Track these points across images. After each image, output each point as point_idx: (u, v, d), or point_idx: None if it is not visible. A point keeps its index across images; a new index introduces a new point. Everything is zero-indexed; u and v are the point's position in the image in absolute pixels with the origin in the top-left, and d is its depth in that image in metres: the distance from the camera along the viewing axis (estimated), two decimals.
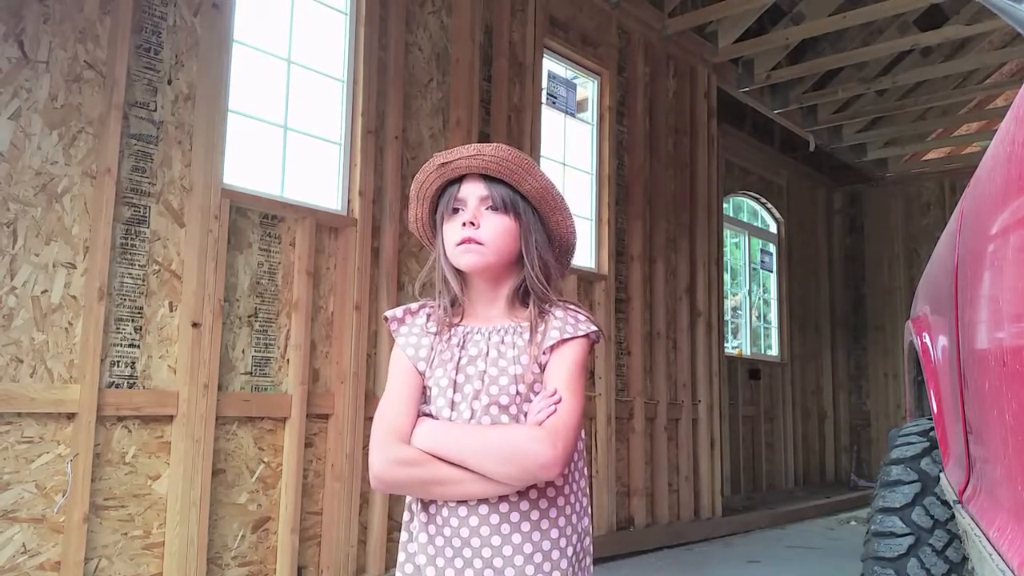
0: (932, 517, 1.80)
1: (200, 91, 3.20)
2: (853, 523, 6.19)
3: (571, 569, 1.25)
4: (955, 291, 1.45)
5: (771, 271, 8.20)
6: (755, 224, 8.16)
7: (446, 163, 1.34)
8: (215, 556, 3.13)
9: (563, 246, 1.42)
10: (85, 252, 2.86)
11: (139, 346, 2.99)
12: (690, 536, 5.33)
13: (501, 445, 1.20)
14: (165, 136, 3.10)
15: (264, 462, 3.33)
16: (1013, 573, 0.98)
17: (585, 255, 5.09)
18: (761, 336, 8.12)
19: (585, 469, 1.35)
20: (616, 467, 5.00)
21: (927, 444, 1.94)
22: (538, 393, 1.27)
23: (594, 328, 1.34)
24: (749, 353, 7.75)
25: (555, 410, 1.22)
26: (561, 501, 1.26)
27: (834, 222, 9.25)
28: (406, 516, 1.31)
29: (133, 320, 2.98)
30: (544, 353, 1.29)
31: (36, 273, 2.75)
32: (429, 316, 1.38)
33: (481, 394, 1.27)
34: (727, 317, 7.45)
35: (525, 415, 1.26)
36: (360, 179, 3.73)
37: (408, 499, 1.31)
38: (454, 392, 1.29)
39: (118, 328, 2.93)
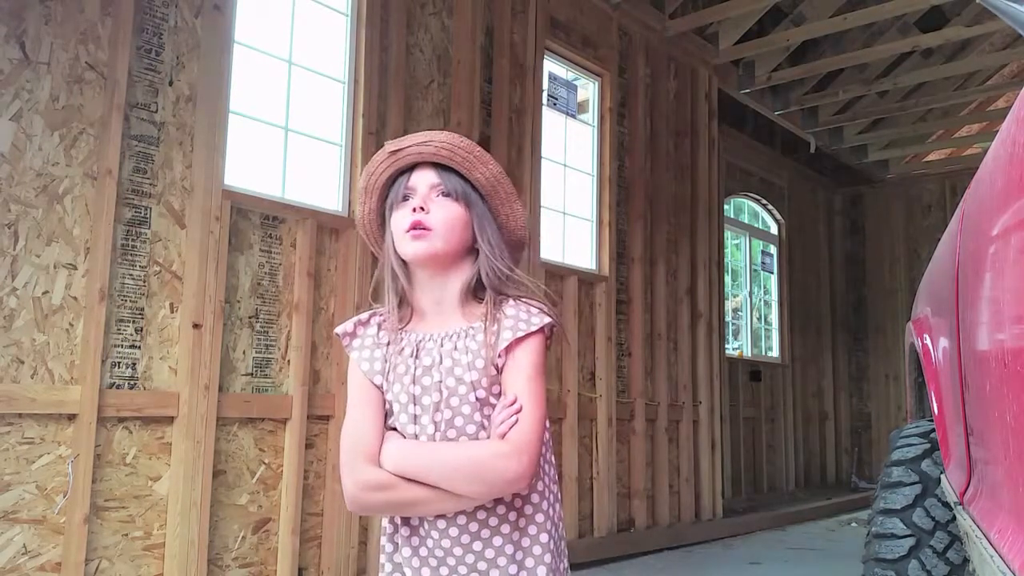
0: (933, 519, 1.79)
1: (201, 92, 3.20)
2: (854, 525, 6.19)
3: (554, 561, 1.25)
4: (956, 293, 1.45)
5: (772, 272, 8.20)
6: (756, 225, 8.16)
7: (396, 150, 1.30)
8: (216, 557, 3.13)
9: (512, 240, 1.36)
10: (86, 253, 2.86)
11: (140, 347, 2.99)
12: (691, 538, 5.33)
13: (466, 463, 1.18)
14: (166, 137, 3.11)
15: (265, 463, 3.33)
16: (1014, 575, 0.97)
17: (586, 256, 5.09)
18: (762, 337, 8.11)
19: (552, 457, 1.32)
20: (617, 468, 5.00)
21: (928, 446, 1.93)
22: (499, 394, 1.24)
23: (548, 320, 1.27)
24: (750, 355, 7.75)
25: (516, 420, 1.19)
26: (537, 498, 1.25)
27: (835, 223, 9.24)
28: (388, 527, 1.29)
29: (134, 321, 2.98)
30: (499, 356, 1.24)
31: (37, 274, 2.75)
32: (380, 326, 1.32)
33: (442, 406, 1.24)
34: (728, 318, 7.45)
35: (489, 418, 1.23)
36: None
37: None
38: (414, 406, 1.25)
39: (119, 329, 2.93)
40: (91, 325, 2.82)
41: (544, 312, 1.28)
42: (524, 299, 1.29)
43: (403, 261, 1.30)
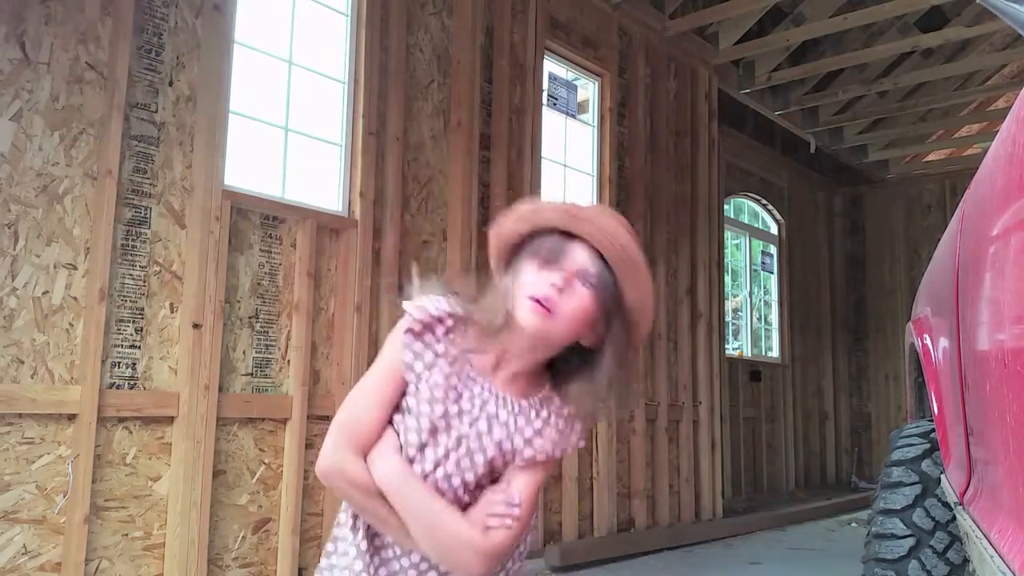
0: (933, 519, 1.80)
1: (201, 92, 3.20)
2: (854, 525, 6.18)
3: None
4: (956, 293, 1.45)
5: (772, 273, 8.20)
6: (756, 226, 8.16)
7: (574, 216, 1.21)
8: (216, 557, 3.13)
9: (627, 357, 1.28)
10: (86, 253, 2.86)
11: (140, 347, 2.99)
12: (691, 538, 5.32)
13: (445, 534, 1.17)
14: (166, 137, 3.11)
15: (265, 463, 3.33)
16: (1014, 575, 0.97)
17: None
18: (762, 338, 8.11)
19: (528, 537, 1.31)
20: (617, 469, 5.00)
21: (928, 446, 1.94)
22: (494, 480, 1.23)
23: (581, 442, 1.27)
24: (750, 355, 7.75)
25: (509, 525, 1.18)
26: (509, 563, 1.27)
27: (835, 223, 9.24)
28: (343, 516, 1.27)
29: (134, 321, 2.98)
30: (524, 457, 1.22)
31: (37, 274, 2.75)
32: (447, 332, 1.24)
33: (451, 456, 1.21)
34: (728, 319, 7.45)
35: (479, 489, 1.22)
36: (361, 180, 3.73)
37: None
38: (430, 436, 1.21)
39: (119, 329, 2.93)
40: (91, 325, 2.82)
41: (582, 440, 1.28)
42: (578, 418, 1.26)
43: (510, 312, 1.20)
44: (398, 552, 1.22)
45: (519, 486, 1.21)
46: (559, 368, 1.26)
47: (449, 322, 1.24)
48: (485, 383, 1.24)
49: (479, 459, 1.21)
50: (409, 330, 1.23)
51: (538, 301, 1.17)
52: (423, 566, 1.21)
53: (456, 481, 1.21)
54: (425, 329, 1.24)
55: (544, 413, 1.24)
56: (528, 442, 1.22)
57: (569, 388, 1.24)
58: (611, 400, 1.24)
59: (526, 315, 1.17)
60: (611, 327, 1.21)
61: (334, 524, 1.30)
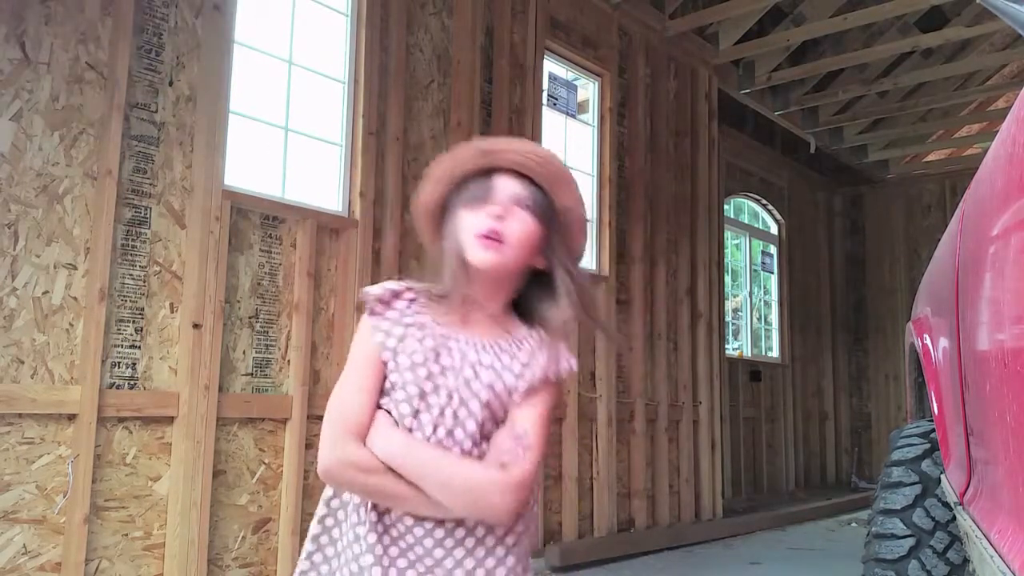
0: (933, 519, 1.80)
1: (201, 92, 3.20)
2: (854, 525, 6.18)
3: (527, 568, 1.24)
4: (956, 293, 1.45)
5: (772, 273, 8.20)
6: (756, 226, 8.16)
7: (488, 151, 1.26)
8: (216, 557, 3.13)
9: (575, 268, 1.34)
10: (86, 253, 2.86)
11: (140, 347, 2.99)
12: (691, 538, 5.32)
13: (463, 483, 1.16)
14: (166, 137, 3.11)
15: (265, 463, 3.33)
16: (1014, 575, 0.97)
17: (586, 257, 5.09)
18: (762, 338, 8.11)
19: (537, 486, 1.30)
20: (617, 469, 5.00)
21: (928, 446, 1.94)
22: (500, 421, 1.22)
23: (574, 369, 1.28)
24: (750, 355, 7.75)
25: (520, 455, 1.17)
26: (521, 527, 1.25)
27: (835, 223, 9.24)
28: (328, 492, 1.26)
29: (134, 321, 2.98)
30: (520, 390, 1.22)
31: (37, 274, 2.75)
32: (410, 303, 1.26)
33: (447, 411, 1.20)
34: (728, 319, 7.45)
35: (485, 440, 1.21)
36: (361, 180, 3.73)
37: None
38: (420, 401, 1.21)
39: (119, 329, 2.93)
40: (91, 325, 2.82)
41: (574, 360, 1.27)
42: (564, 343, 1.27)
43: (462, 259, 1.24)
44: (409, 524, 1.19)
45: (523, 418, 1.21)
46: (525, 307, 1.29)
47: (410, 295, 1.27)
48: (460, 337, 1.24)
49: (475, 406, 1.21)
50: (372, 312, 1.25)
51: (486, 236, 1.20)
52: (438, 533, 1.19)
53: (459, 434, 1.20)
54: (386, 306, 1.25)
55: (526, 345, 1.25)
56: (519, 376, 1.22)
57: (539, 314, 1.27)
58: (579, 310, 1.26)
59: (479, 253, 1.21)
60: (553, 240, 1.26)
61: (309, 535, 1.28)
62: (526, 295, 1.29)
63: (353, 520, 1.23)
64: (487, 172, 1.26)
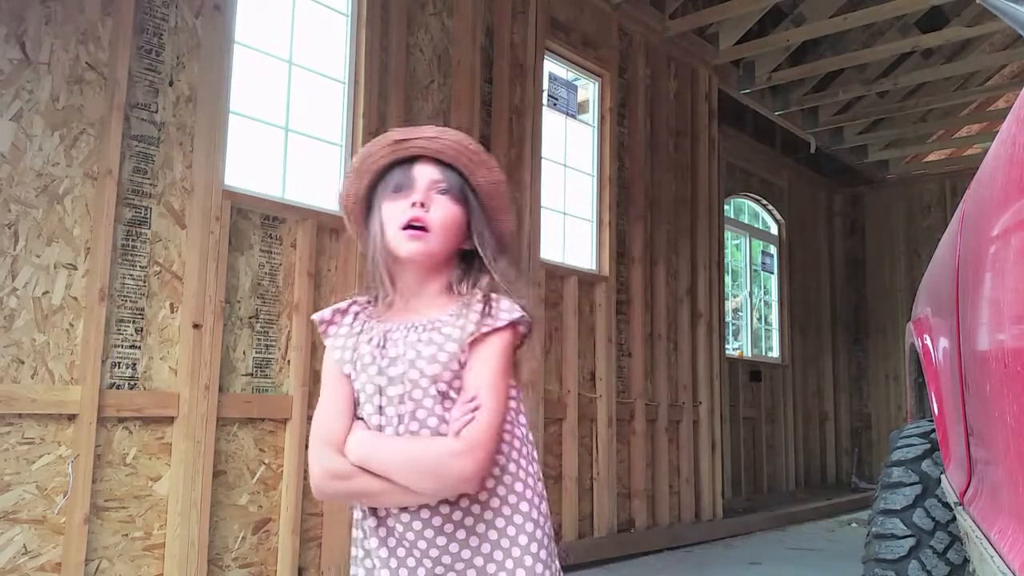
0: (933, 519, 1.80)
1: (201, 92, 3.20)
2: (854, 525, 6.19)
3: (536, 563, 1.21)
4: (956, 293, 1.45)
5: (772, 273, 8.20)
6: (756, 226, 8.16)
7: (402, 140, 1.28)
8: (216, 557, 3.13)
9: (501, 245, 1.35)
10: (86, 253, 2.86)
11: (140, 347, 2.99)
12: (691, 538, 5.32)
13: (421, 459, 1.18)
14: (166, 137, 3.11)
15: (265, 463, 3.33)
16: (1014, 575, 0.97)
17: (586, 257, 5.09)
18: (762, 338, 8.11)
19: (534, 452, 1.30)
20: (617, 469, 5.00)
21: (928, 446, 1.94)
22: (460, 389, 1.22)
23: (517, 315, 1.24)
24: (750, 355, 7.75)
25: (472, 418, 1.18)
26: (514, 498, 1.23)
27: (835, 224, 9.25)
28: (358, 514, 1.29)
29: (134, 321, 2.98)
30: (463, 351, 1.22)
31: (37, 274, 2.75)
32: (356, 315, 1.31)
33: (405, 398, 1.23)
34: (728, 319, 7.45)
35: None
36: None
37: None
38: (380, 396, 1.24)
39: (119, 329, 2.93)
40: (91, 325, 2.82)
41: (516, 307, 1.25)
42: (496, 295, 1.26)
43: (390, 251, 1.27)
44: (395, 512, 1.23)
45: (472, 380, 1.22)
46: (463, 288, 1.30)
47: (355, 308, 1.32)
48: (400, 324, 1.27)
49: (425, 383, 1.23)
50: (325, 334, 1.31)
51: (410, 226, 1.24)
52: (424, 513, 1.21)
53: (422, 415, 1.22)
54: (332, 323, 1.32)
55: (464, 311, 1.26)
56: (459, 341, 1.23)
57: (473, 281, 1.28)
58: (502, 258, 1.30)
59: (405, 245, 1.25)
60: (475, 216, 1.29)
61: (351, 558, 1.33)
62: (462, 276, 1.30)
63: (359, 536, 1.28)
64: (405, 161, 1.29)
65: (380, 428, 1.24)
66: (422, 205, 1.25)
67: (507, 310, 1.24)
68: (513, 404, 1.28)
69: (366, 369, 1.26)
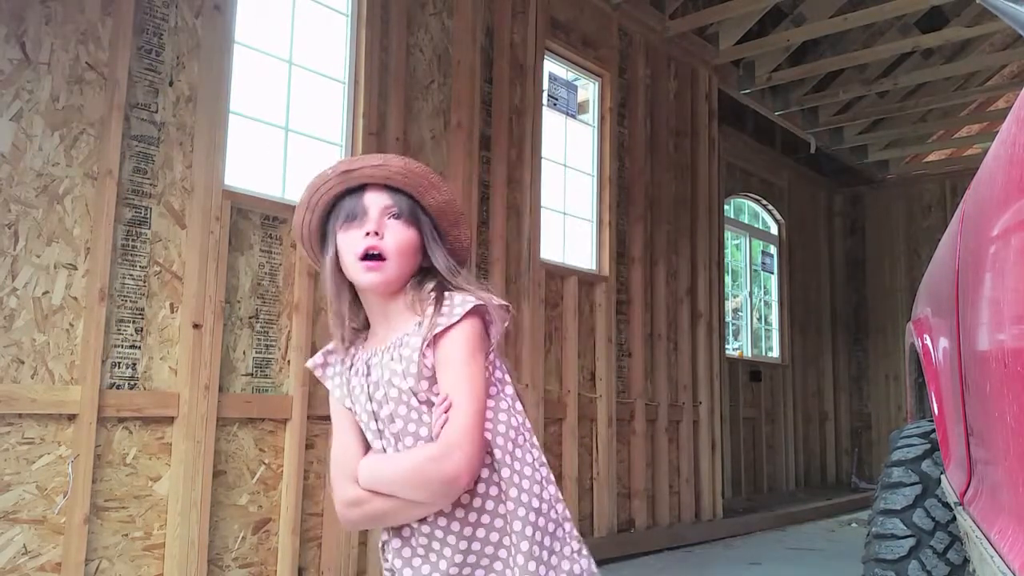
0: (933, 519, 1.80)
1: (201, 92, 3.20)
2: (854, 525, 6.19)
3: (543, 552, 1.22)
4: (956, 293, 1.45)
5: (772, 273, 8.20)
6: (756, 226, 8.16)
7: (349, 171, 1.30)
8: (216, 557, 3.13)
9: (459, 260, 1.37)
10: (86, 253, 2.86)
11: (140, 347, 2.99)
12: (691, 538, 5.32)
13: (408, 471, 1.21)
14: (166, 137, 3.11)
15: (265, 463, 3.33)
16: (1014, 575, 0.97)
17: (586, 257, 5.09)
18: (762, 338, 8.11)
19: (533, 438, 1.30)
20: (617, 469, 5.00)
21: (928, 446, 1.94)
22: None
23: (471, 304, 1.24)
24: (750, 355, 7.75)
25: (447, 419, 1.19)
26: (515, 492, 1.23)
27: (835, 224, 9.25)
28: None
29: (134, 321, 2.98)
30: (424, 356, 1.24)
31: (37, 274, 2.75)
32: (346, 352, 1.38)
33: (395, 416, 1.27)
34: (728, 319, 7.45)
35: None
36: None
37: None
38: (375, 422, 1.29)
39: (119, 329, 2.93)
40: (91, 325, 2.82)
41: (469, 298, 1.26)
42: (449, 293, 1.28)
43: (353, 282, 1.31)
44: (426, 532, 1.26)
45: (441, 382, 1.24)
46: (422, 297, 1.32)
47: (342, 346, 1.37)
48: (376, 350, 1.32)
49: (405, 397, 1.26)
50: (320, 378, 1.39)
51: (367, 255, 1.26)
52: (455, 526, 1.24)
53: (412, 428, 1.26)
54: (326, 365, 1.39)
55: (423, 319, 1.27)
56: (424, 352, 1.25)
57: (436, 293, 1.29)
58: (458, 272, 1.32)
59: (363, 276, 1.28)
60: (428, 236, 1.32)
61: None
62: (425, 297, 1.31)
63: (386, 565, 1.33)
64: (355, 190, 1.31)
65: (384, 451, 1.29)
66: (376, 234, 1.27)
67: (460, 304, 1.26)
68: (499, 377, 1.30)
69: (358, 399, 1.32)
